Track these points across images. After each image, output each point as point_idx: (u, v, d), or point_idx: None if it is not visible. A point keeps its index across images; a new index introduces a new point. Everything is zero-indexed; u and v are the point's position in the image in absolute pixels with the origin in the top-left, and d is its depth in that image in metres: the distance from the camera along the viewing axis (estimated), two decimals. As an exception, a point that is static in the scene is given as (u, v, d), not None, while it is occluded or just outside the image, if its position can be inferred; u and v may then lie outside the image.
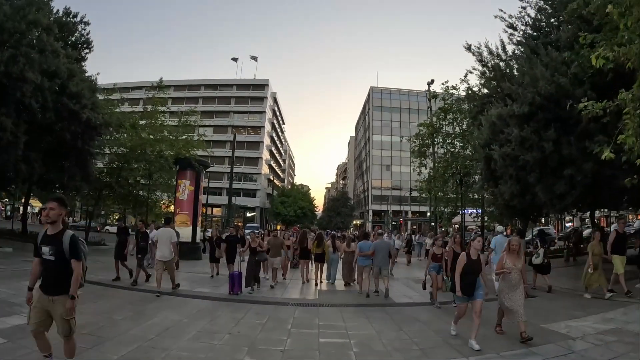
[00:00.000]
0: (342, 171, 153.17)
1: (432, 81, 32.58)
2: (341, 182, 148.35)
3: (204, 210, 60.15)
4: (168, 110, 29.18)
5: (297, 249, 16.76)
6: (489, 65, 18.84)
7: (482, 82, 20.04)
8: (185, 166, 24.08)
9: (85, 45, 24.48)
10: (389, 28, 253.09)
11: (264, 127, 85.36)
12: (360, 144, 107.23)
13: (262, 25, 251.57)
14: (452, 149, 28.09)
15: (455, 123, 28.03)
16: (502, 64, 18.30)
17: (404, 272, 17.54)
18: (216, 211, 75.44)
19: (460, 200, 27.53)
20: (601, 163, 13.14)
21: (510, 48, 18.76)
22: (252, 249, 12.49)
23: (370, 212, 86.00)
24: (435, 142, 28.89)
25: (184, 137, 26.99)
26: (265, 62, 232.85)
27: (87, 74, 22.74)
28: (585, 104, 7.98)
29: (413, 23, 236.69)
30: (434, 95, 29.34)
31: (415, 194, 61.10)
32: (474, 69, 20.53)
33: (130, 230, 16.03)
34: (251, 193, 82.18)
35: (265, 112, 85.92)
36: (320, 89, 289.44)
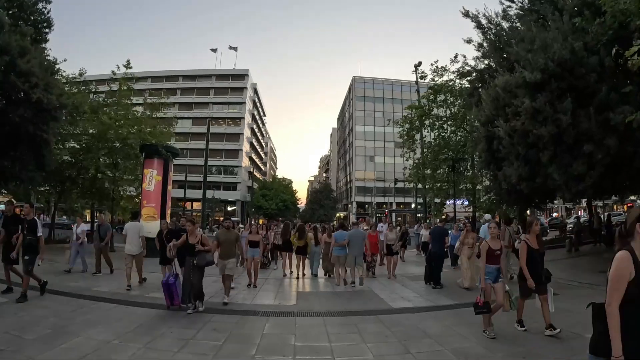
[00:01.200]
0: (325, 163, 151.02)
1: (420, 63, 30.47)
2: (324, 174, 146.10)
3: (184, 205, 58.00)
4: (137, 100, 26.32)
5: (267, 245, 15.75)
6: (490, 32, 16.80)
7: (481, 53, 18.03)
8: (152, 154, 21.71)
9: (45, 25, 22.11)
10: (372, 17, 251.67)
11: (244, 118, 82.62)
12: (343, 135, 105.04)
13: (241, 15, 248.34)
14: (443, 133, 26.07)
15: (445, 105, 25.98)
16: (503, 32, 16.29)
17: (397, 269, 15.37)
18: (196, 205, 72.93)
19: (451, 189, 25.59)
20: (622, 138, 11.58)
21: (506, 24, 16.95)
22: (188, 246, 8.54)
23: (354, 204, 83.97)
24: (425, 126, 26.77)
25: (151, 127, 24.29)
26: (245, 54, 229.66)
27: (48, 56, 20.54)
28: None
29: (397, 11, 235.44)
30: (423, 76, 27.15)
31: (401, 184, 59.68)
32: (469, 40, 18.47)
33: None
34: (231, 186, 79.58)
35: (245, 102, 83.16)
36: (302, 81, 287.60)
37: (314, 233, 14.72)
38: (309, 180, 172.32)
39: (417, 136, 27.71)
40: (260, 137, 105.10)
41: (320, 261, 14.48)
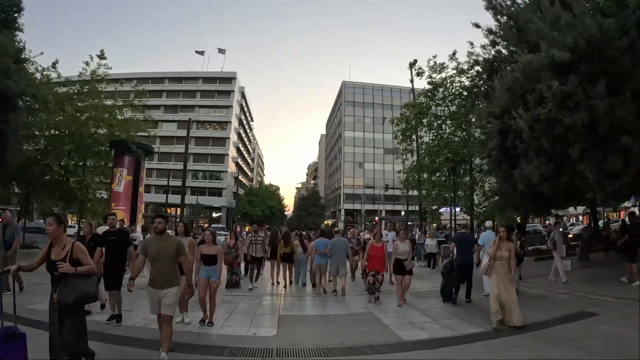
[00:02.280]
0: (313, 170, 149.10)
1: (415, 61, 28.56)
2: (312, 181, 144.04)
3: (170, 211, 55.66)
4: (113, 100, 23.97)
5: (236, 259, 12.62)
6: (504, 12, 14.92)
7: (490, 40, 16.20)
8: (122, 150, 19.59)
9: (15, 9, 20.22)
10: (362, 20, 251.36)
11: (230, 122, 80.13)
12: (332, 141, 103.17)
13: (229, 19, 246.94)
14: (442, 133, 24.14)
15: (444, 104, 24.07)
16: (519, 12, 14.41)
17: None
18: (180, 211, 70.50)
19: (449, 194, 23.67)
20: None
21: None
22: (49, 263, 4.89)
23: (343, 212, 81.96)
24: (423, 125, 24.73)
25: (123, 116, 22.03)
26: (232, 58, 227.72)
27: (19, 42, 18.88)
28: None
29: (389, 15, 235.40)
30: (420, 72, 25.21)
31: (391, 191, 57.74)
32: (477, 25, 16.63)
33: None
34: (217, 192, 77.09)
35: (232, 106, 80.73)
36: (290, 87, 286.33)
37: (299, 240, 14.32)
38: (297, 188, 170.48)
39: (414, 136, 25.65)
40: (247, 142, 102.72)
41: (308, 272, 13.90)
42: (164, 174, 58.86)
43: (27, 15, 20.47)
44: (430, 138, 24.71)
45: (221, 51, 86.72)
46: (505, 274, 7.97)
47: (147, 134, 23.57)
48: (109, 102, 22.18)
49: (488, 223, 15.58)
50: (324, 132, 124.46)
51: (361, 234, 19.38)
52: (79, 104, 20.80)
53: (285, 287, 13.01)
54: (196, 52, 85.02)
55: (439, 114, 24.50)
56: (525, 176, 12.25)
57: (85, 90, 21.78)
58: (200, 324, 7.63)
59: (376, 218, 65.69)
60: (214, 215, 75.78)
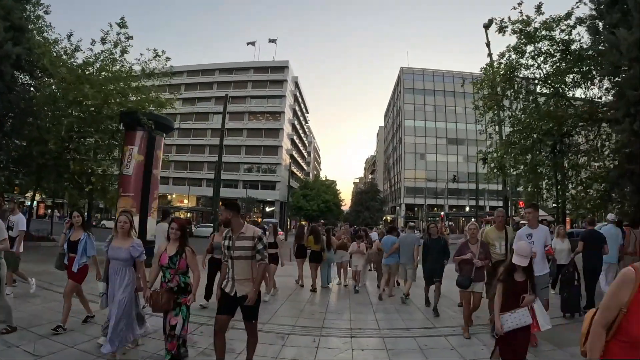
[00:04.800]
0: (371, 164, 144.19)
1: (491, 22, 22.96)
2: (370, 176, 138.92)
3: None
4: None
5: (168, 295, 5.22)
6: None
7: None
8: (132, 124, 15.66)
9: None
10: (420, 3, 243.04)
11: (284, 112, 76.74)
12: (391, 132, 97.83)
13: (281, 9, 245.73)
14: (536, 100, 18.54)
15: (537, 63, 18.46)
16: None
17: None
18: (230, 205, 67.86)
19: (549, 179, 18.33)
20: None
21: None
22: None
23: (403, 207, 76.52)
24: (514, 89, 18.96)
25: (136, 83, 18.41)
26: (284, 49, 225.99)
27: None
28: None
29: None
30: (501, 28, 19.55)
31: (457, 183, 52.42)
32: None
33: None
34: (270, 185, 74.02)
35: (285, 96, 77.26)
36: (346, 78, 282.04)
37: (326, 235, 12.71)
38: (354, 183, 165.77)
39: (504, 103, 19.67)
40: (302, 135, 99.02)
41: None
42: (212, 167, 57.07)
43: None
44: (521, 107, 18.99)
45: (272, 41, 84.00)
46: None
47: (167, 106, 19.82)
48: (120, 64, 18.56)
49: (610, 216, 11.25)
50: (382, 124, 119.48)
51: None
52: (74, 66, 17.33)
53: (314, 290, 11.39)
54: (248, 43, 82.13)
55: (529, 77, 18.98)
56: None
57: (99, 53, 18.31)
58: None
59: (442, 213, 60.23)
60: (267, 209, 72.83)
